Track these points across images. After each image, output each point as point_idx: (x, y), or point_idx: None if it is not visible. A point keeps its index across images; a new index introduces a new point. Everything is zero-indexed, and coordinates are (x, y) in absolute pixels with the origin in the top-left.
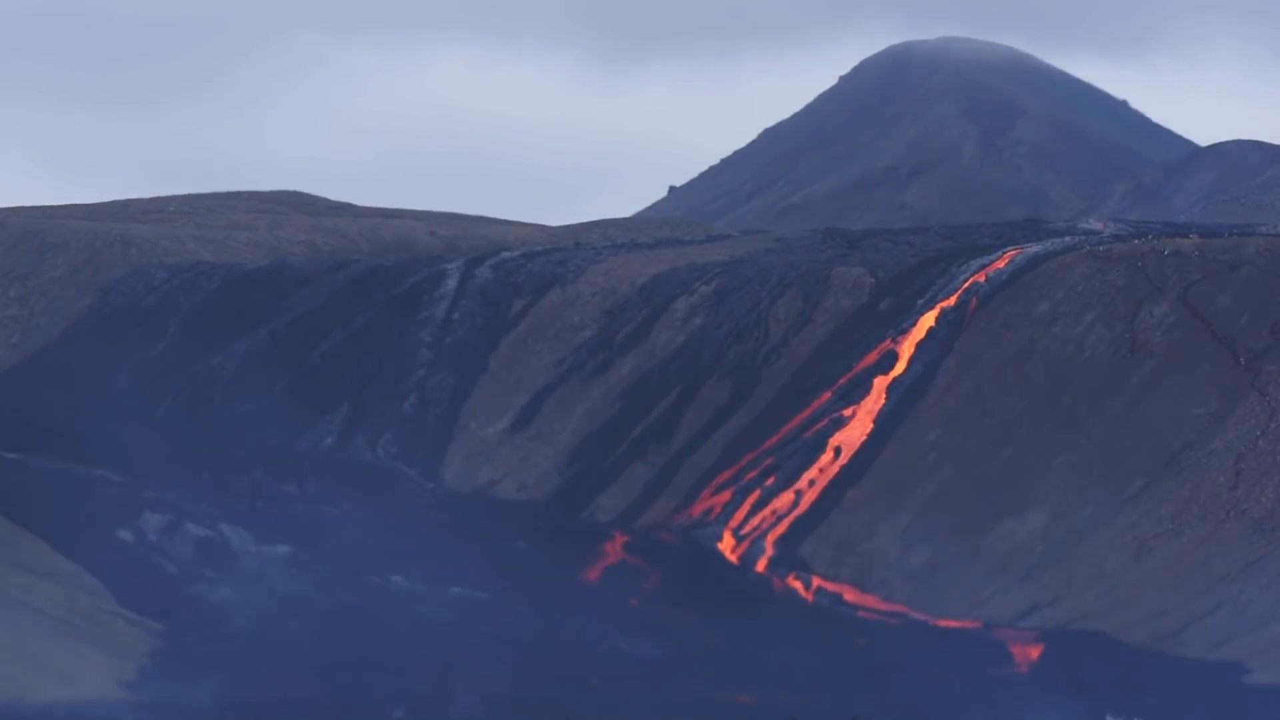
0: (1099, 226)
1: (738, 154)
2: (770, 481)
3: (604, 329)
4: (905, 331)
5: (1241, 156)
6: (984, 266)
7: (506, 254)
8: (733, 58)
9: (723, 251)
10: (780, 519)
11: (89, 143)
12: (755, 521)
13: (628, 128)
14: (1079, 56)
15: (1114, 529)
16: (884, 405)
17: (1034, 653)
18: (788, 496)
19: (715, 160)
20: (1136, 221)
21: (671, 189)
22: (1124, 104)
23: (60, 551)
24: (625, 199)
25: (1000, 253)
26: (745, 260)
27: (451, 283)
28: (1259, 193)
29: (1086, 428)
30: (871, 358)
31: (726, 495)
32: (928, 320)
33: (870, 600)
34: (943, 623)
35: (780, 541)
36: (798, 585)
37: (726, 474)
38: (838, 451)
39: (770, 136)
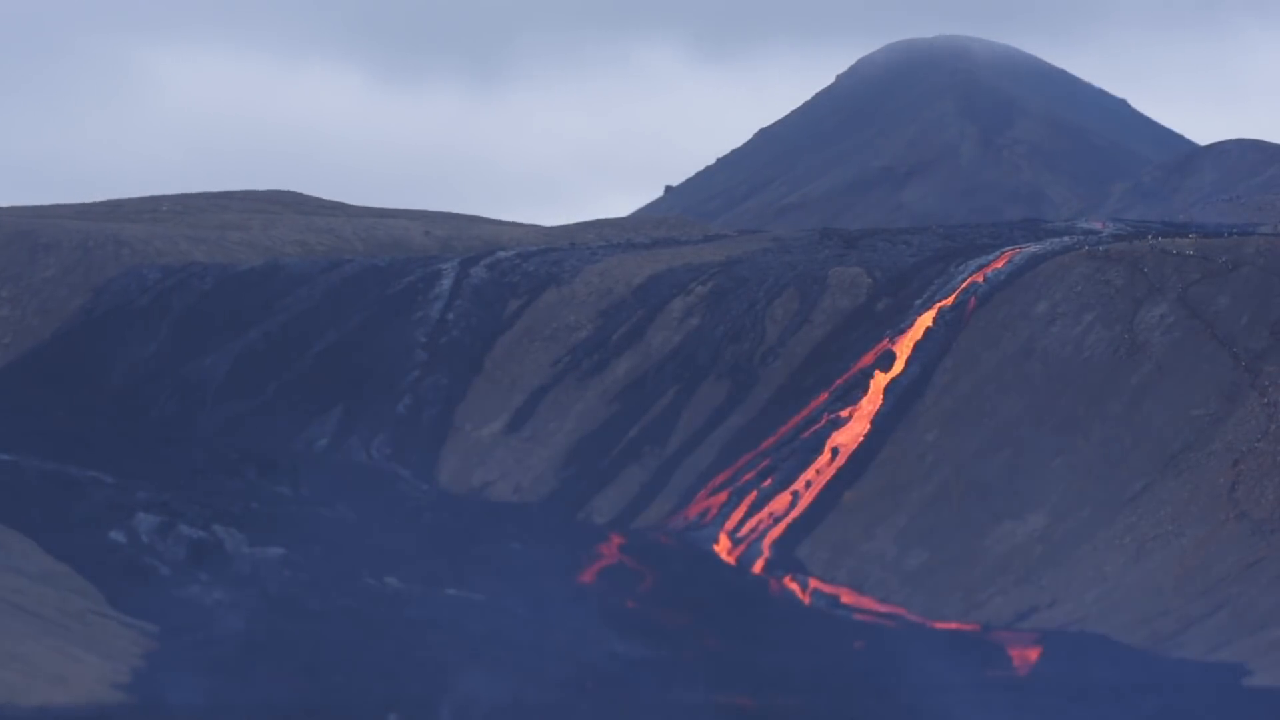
0: (1098, 226)
1: (734, 153)
2: (767, 483)
3: (600, 329)
4: (903, 332)
5: (1241, 156)
6: (982, 266)
7: (501, 254)
8: (729, 55)
9: (719, 252)
10: (777, 521)
11: None
12: (752, 523)
13: (420, 131)
14: (1078, 54)
15: (1113, 530)
16: (881, 406)
17: (1032, 655)
18: (784, 498)
19: (712, 160)
20: (1136, 221)
21: (668, 189)
22: (1124, 103)
23: (52, 553)
24: (621, 199)
25: (999, 252)
26: (742, 260)
27: (446, 283)
28: (1259, 192)
29: (1085, 428)
30: (869, 358)
31: (723, 497)
32: (925, 320)
33: (867, 602)
34: (940, 625)
35: (777, 543)
36: (795, 587)
37: (723, 475)
38: (835, 452)
39: (767, 136)
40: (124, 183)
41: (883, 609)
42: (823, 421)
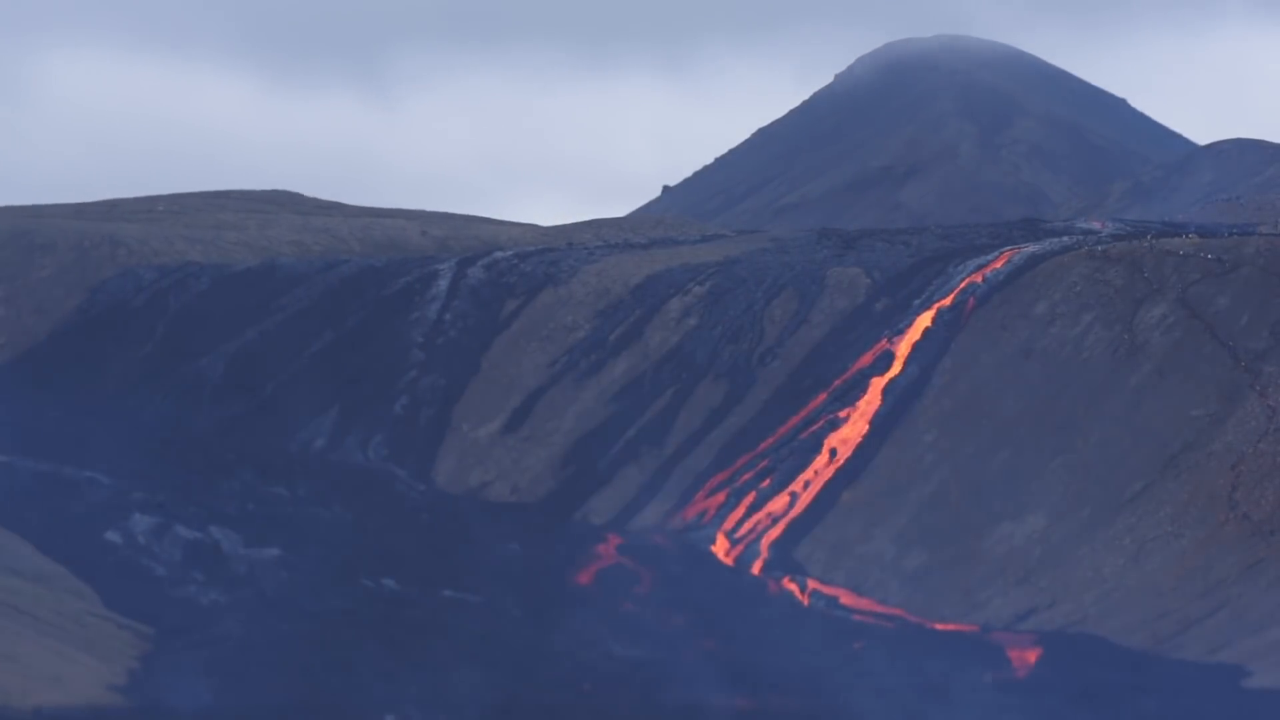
0: (1097, 226)
1: (732, 153)
2: (765, 484)
3: (597, 329)
4: (901, 332)
5: (1241, 156)
6: (981, 266)
7: (499, 254)
8: (723, 55)
9: (717, 251)
10: (775, 521)
11: None
12: (750, 524)
13: (315, 133)
14: (1078, 54)
15: (1112, 531)
16: (880, 407)
17: (1031, 656)
18: (783, 499)
19: (709, 159)
20: (1135, 221)
21: (665, 188)
22: (1123, 103)
23: (48, 554)
24: (619, 198)
25: (997, 253)
26: (740, 260)
27: (443, 283)
28: (1259, 192)
29: (1084, 429)
30: (867, 359)
31: (721, 497)
32: (924, 321)
33: (866, 603)
34: (939, 626)
35: (775, 544)
36: (793, 588)
37: (721, 476)
38: (833, 453)
39: (765, 135)
40: (9, 186)
41: (881, 610)
42: (821, 422)
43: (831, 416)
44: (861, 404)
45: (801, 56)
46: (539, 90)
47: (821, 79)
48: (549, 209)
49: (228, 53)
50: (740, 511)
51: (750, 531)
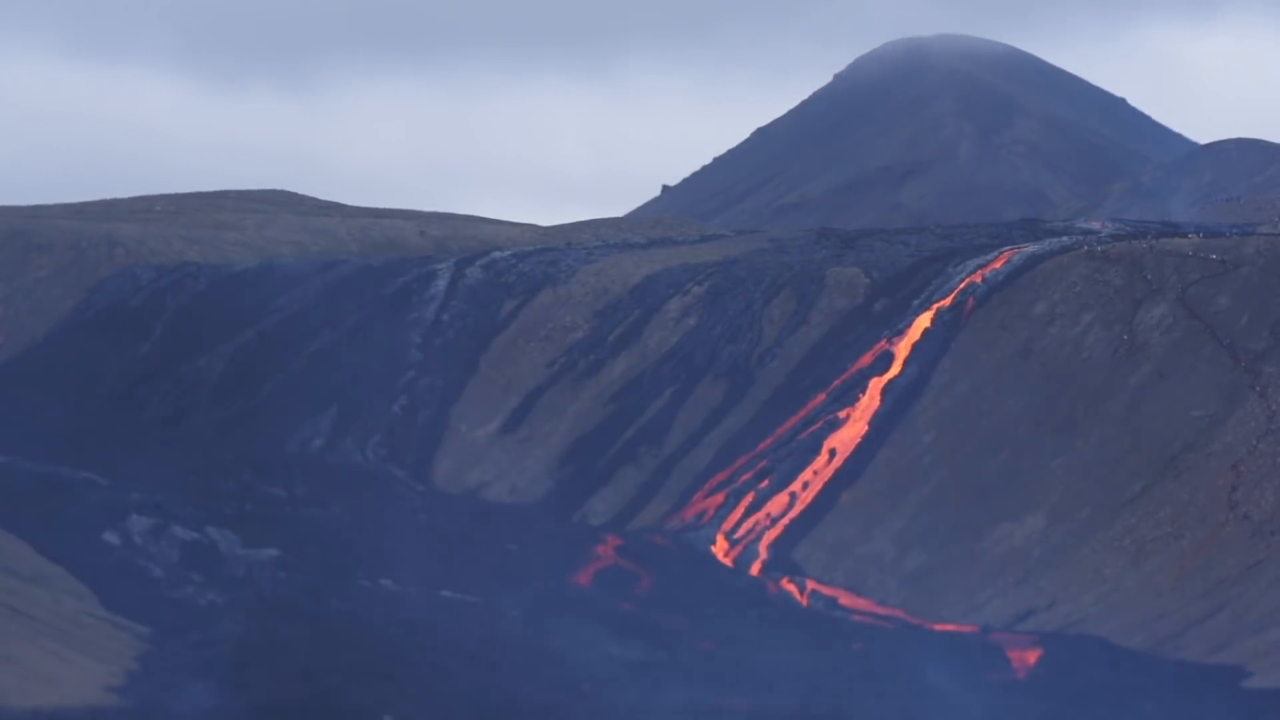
0: (1097, 226)
1: (731, 153)
2: (764, 484)
3: (596, 330)
4: (901, 332)
5: (1241, 156)
6: (980, 267)
7: (497, 254)
8: (722, 53)
9: (716, 251)
10: (774, 522)
11: None
12: (749, 525)
13: (242, 135)
14: (1078, 54)
15: (1112, 532)
16: (879, 407)
17: (1031, 657)
18: (782, 499)
19: (708, 159)
20: (1135, 221)
21: (665, 188)
22: (1123, 102)
23: (45, 555)
24: (618, 199)
25: (997, 253)
26: (739, 260)
27: (441, 283)
28: (1259, 192)
29: (1084, 430)
30: (867, 359)
31: (720, 498)
32: (923, 321)
33: (865, 604)
34: (939, 626)
35: (774, 545)
36: (792, 589)
37: (720, 476)
38: (832, 454)
39: (764, 135)
40: None
41: (881, 611)
42: (820, 423)
43: (830, 417)
44: (860, 404)
45: (800, 55)
46: (471, 96)
47: (821, 78)
48: (488, 210)
49: (164, 58)
50: (739, 512)
51: (749, 532)
